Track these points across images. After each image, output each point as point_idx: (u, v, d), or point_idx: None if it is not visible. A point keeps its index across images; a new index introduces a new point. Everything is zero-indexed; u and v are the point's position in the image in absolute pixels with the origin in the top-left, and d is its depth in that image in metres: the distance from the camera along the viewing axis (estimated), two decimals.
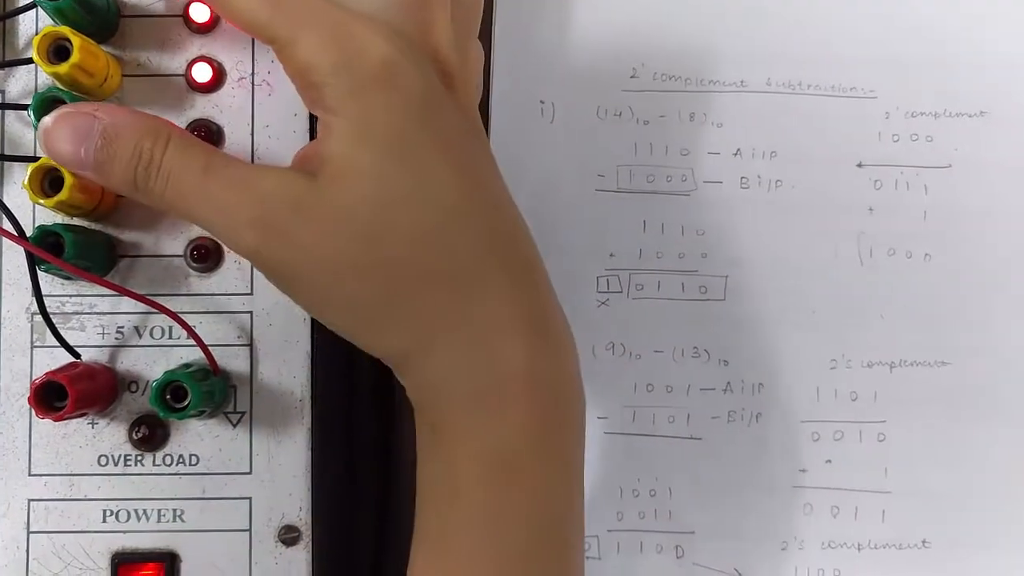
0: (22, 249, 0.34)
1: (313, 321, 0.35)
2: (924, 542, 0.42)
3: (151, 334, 0.35)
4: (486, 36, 0.45)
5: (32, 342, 0.35)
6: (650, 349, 0.43)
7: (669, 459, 0.43)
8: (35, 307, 0.35)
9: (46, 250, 0.32)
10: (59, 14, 0.33)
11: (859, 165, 0.44)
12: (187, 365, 0.34)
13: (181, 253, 0.35)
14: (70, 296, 0.35)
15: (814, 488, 0.43)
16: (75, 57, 0.32)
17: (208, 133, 0.35)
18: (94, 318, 0.35)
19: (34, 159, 0.34)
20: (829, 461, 0.43)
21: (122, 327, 0.35)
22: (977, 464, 0.43)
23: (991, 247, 0.44)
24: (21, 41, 0.36)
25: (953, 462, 0.43)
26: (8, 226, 0.32)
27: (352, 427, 0.42)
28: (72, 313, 0.35)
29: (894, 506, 0.43)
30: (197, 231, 0.35)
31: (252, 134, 0.35)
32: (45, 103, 0.32)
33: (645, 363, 0.43)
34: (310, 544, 0.34)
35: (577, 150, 0.44)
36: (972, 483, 0.43)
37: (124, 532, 0.34)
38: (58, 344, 0.34)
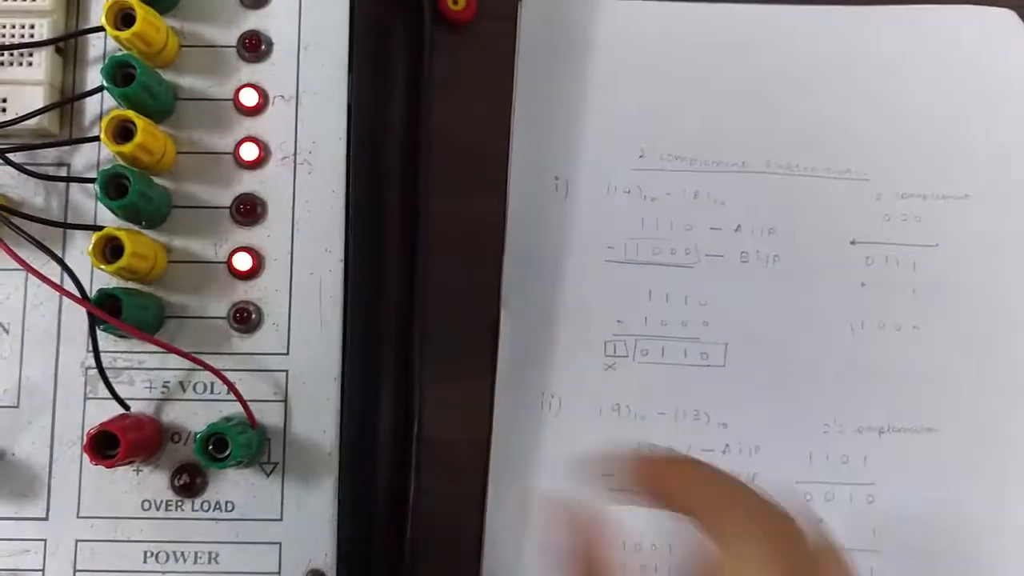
0: (81, 309, 0.37)
1: (342, 381, 0.38)
2: None
3: (194, 389, 0.38)
4: (506, 116, 0.49)
5: (85, 394, 0.38)
6: (654, 411, 0.46)
7: (669, 517, 0.45)
8: (89, 362, 0.38)
9: (105, 311, 0.35)
10: (125, 99, 0.36)
11: (852, 243, 0.47)
12: (228, 418, 0.37)
13: (224, 315, 0.38)
14: (121, 352, 0.38)
15: None
16: (139, 138, 0.36)
17: (253, 206, 0.38)
18: (143, 373, 0.38)
19: (96, 228, 0.37)
20: (820, 521, 0.45)
21: (168, 382, 0.38)
22: (961, 526, 0.45)
23: (975, 321, 0.47)
24: (87, 120, 0.39)
25: (938, 523, 0.45)
26: (72, 288, 0.36)
27: (373, 480, 0.44)
28: (123, 368, 0.38)
29: (882, 566, 0.45)
30: (240, 295, 0.38)
31: (293, 208, 0.39)
32: (110, 179, 0.36)
33: (649, 424, 0.46)
34: (339, 537, 0.37)
35: (588, 223, 0.48)
36: (957, 543, 0.45)
37: (163, 573, 0.37)
38: (109, 396, 0.37)
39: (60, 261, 0.36)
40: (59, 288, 0.35)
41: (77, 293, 0.35)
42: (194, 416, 0.38)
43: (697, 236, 0.47)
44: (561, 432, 0.46)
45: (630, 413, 0.46)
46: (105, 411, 0.37)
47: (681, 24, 0.49)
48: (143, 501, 0.37)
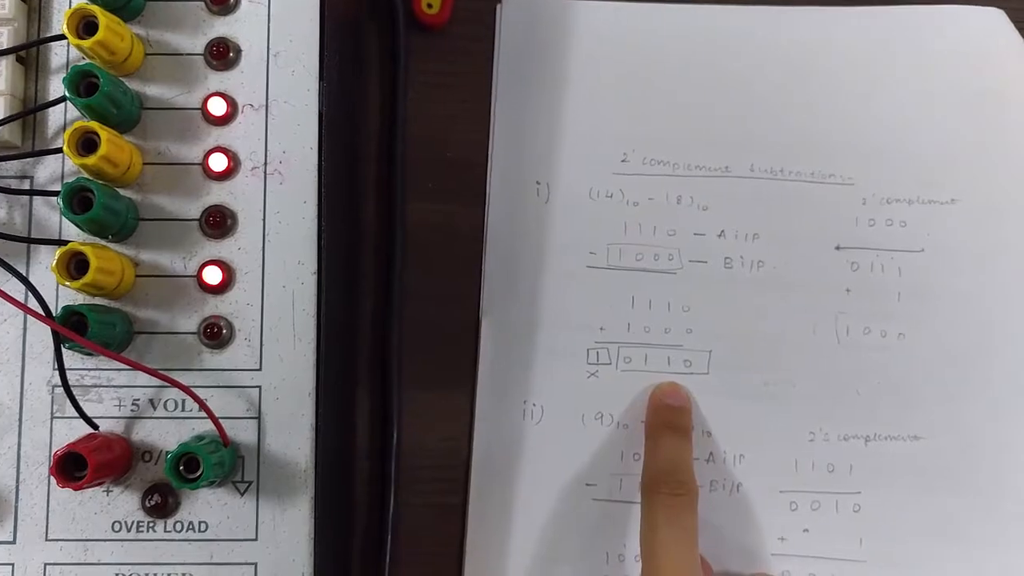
0: (46, 327, 0.36)
1: (316, 396, 0.37)
2: None
3: (165, 406, 0.37)
4: (484, 120, 0.48)
5: (52, 413, 0.37)
6: (637, 420, 0.45)
7: None
8: (56, 380, 0.37)
9: (71, 328, 0.34)
10: (88, 109, 0.35)
11: (837, 248, 0.47)
12: (199, 437, 0.36)
13: (195, 331, 0.37)
14: (89, 370, 0.37)
15: (792, 556, 0.44)
16: (103, 150, 0.35)
17: (223, 218, 0.37)
18: (111, 391, 0.37)
19: (60, 243, 0.36)
20: (806, 530, 0.45)
21: (138, 399, 0.37)
22: (948, 534, 0.44)
23: (961, 327, 0.46)
24: (49, 131, 0.38)
25: (925, 532, 0.45)
26: (36, 305, 0.35)
27: (351, 495, 0.44)
28: (91, 386, 0.37)
29: (869, 574, 0.44)
30: (210, 309, 0.37)
31: (264, 220, 0.38)
32: (73, 192, 0.35)
33: (632, 433, 0.45)
34: (315, 554, 0.36)
35: (570, 228, 0.47)
36: (944, 552, 0.44)
37: None
38: (77, 415, 0.36)
39: (22, 278, 0.35)
40: (22, 306, 0.34)
41: (41, 311, 0.34)
42: (165, 434, 0.37)
43: (680, 241, 0.47)
44: (543, 441, 0.45)
45: (613, 421, 0.45)
46: (73, 430, 0.36)
47: (663, 27, 0.48)
48: (113, 522, 0.37)
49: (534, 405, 0.45)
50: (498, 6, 0.48)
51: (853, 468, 0.45)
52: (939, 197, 0.47)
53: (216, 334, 0.37)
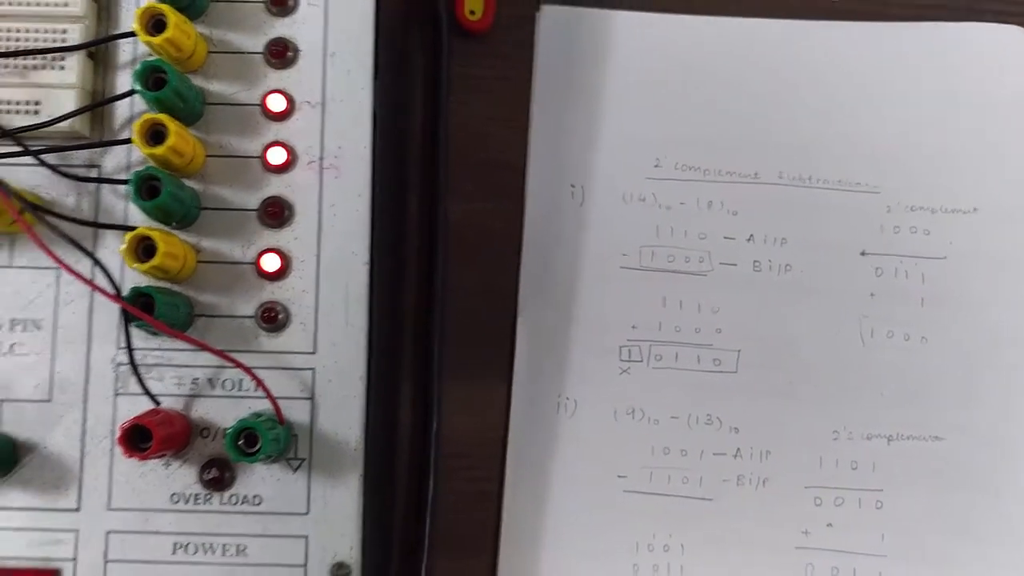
0: (112, 307, 0.38)
1: (367, 379, 0.39)
2: None
3: (223, 386, 0.39)
4: (523, 124, 0.50)
5: (116, 390, 0.39)
6: (667, 415, 0.47)
7: (682, 517, 0.46)
8: (120, 358, 0.39)
9: (139, 308, 0.36)
10: (156, 102, 0.37)
11: (862, 254, 0.48)
12: (257, 414, 0.38)
13: (252, 315, 0.39)
14: (151, 350, 0.39)
15: (816, 549, 0.46)
16: (171, 140, 0.37)
17: (280, 209, 0.39)
18: (172, 370, 0.39)
19: (126, 228, 0.38)
20: (830, 525, 0.46)
21: (197, 379, 0.39)
22: (967, 531, 0.46)
23: (982, 333, 0.48)
24: (117, 122, 0.40)
25: (945, 529, 0.46)
26: (106, 287, 0.36)
27: (392, 478, 0.45)
28: (153, 365, 0.39)
29: (890, 569, 0.46)
30: (267, 295, 0.39)
31: (320, 212, 0.40)
32: (143, 180, 0.37)
33: (662, 428, 0.47)
34: (363, 533, 0.38)
35: (604, 230, 0.49)
36: (962, 549, 0.46)
37: (192, 564, 0.38)
38: (139, 392, 0.38)
39: (94, 259, 0.37)
40: (93, 285, 0.36)
41: (111, 290, 0.36)
42: (222, 412, 0.39)
43: (711, 244, 0.48)
44: (576, 434, 0.47)
45: (644, 417, 0.47)
46: (135, 406, 0.38)
47: (696, 38, 0.50)
48: (172, 494, 0.38)
49: (568, 399, 0.47)
50: (538, 14, 0.50)
51: (876, 466, 0.47)
52: (961, 206, 0.49)
53: (273, 318, 0.39)
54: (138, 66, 0.37)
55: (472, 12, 0.50)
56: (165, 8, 0.37)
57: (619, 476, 0.47)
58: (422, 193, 0.49)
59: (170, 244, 0.37)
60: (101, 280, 0.38)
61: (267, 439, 0.36)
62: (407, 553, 0.45)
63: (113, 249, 0.39)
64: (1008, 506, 0.46)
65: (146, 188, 0.37)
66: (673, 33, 0.51)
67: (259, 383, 0.37)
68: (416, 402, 0.47)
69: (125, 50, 0.41)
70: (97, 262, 0.37)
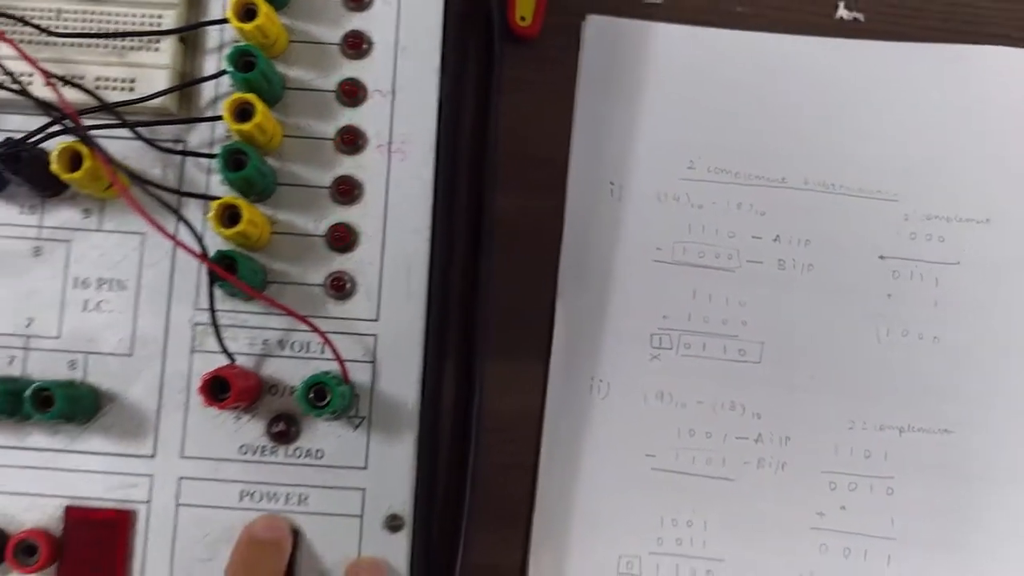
0: (191, 270, 0.42)
1: (424, 347, 0.42)
2: None
3: (291, 347, 0.42)
4: (566, 124, 0.53)
5: (193, 347, 0.42)
6: (694, 400, 0.50)
7: (705, 496, 0.49)
8: (197, 318, 0.42)
9: (224, 269, 0.39)
10: (245, 83, 0.41)
11: (880, 257, 0.52)
12: (325, 373, 0.41)
13: (321, 283, 0.42)
14: (227, 311, 0.42)
15: (829, 530, 0.49)
16: (257, 118, 0.40)
17: (351, 188, 0.43)
18: (245, 331, 0.42)
19: (209, 197, 0.42)
20: (843, 508, 0.49)
21: (267, 340, 0.42)
22: (972, 520, 0.49)
23: (990, 334, 0.51)
24: (203, 102, 0.44)
25: (951, 517, 0.49)
26: (193, 250, 0.40)
27: (436, 446, 0.48)
28: (228, 325, 0.42)
29: (899, 552, 0.49)
30: (336, 266, 0.42)
31: (386, 191, 0.43)
32: (230, 153, 0.40)
33: (689, 411, 0.50)
34: (410, 531, 0.41)
35: (639, 226, 0.52)
36: (967, 536, 0.49)
37: (256, 511, 0.41)
38: (214, 350, 0.41)
39: (186, 222, 0.40)
40: (184, 246, 0.39)
41: (199, 251, 0.39)
42: (290, 371, 0.42)
43: (739, 243, 0.52)
44: (608, 414, 0.50)
45: (672, 400, 0.50)
46: (210, 363, 0.41)
47: (730, 50, 0.54)
48: (241, 445, 0.41)
49: (601, 381, 0.50)
50: (583, 23, 0.54)
51: (888, 455, 0.50)
52: (975, 216, 0.52)
53: (341, 287, 0.42)
54: (230, 49, 0.40)
55: (523, 18, 0.53)
56: None
57: (647, 455, 0.50)
58: (470, 184, 0.52)
59: (252, 213, 0.40)
60: (186, 245, 0.41)
61: (336, 394, 0.39)
62: (447, 520, 0.48)
63: (194, 218, 0.42)
64: (1013, 498, 0.49)
65: (233, 161, 0.40)
66: (709, 46, 0.54)
67: (330, 344, 0.40)
68: (459, 379, 0.50)
69: (212, 36, 0.44)
70: (188, 224, 0.40)
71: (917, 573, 0.49)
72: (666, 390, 0.50)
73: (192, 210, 0.43)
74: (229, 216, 0.40)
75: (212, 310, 0.41)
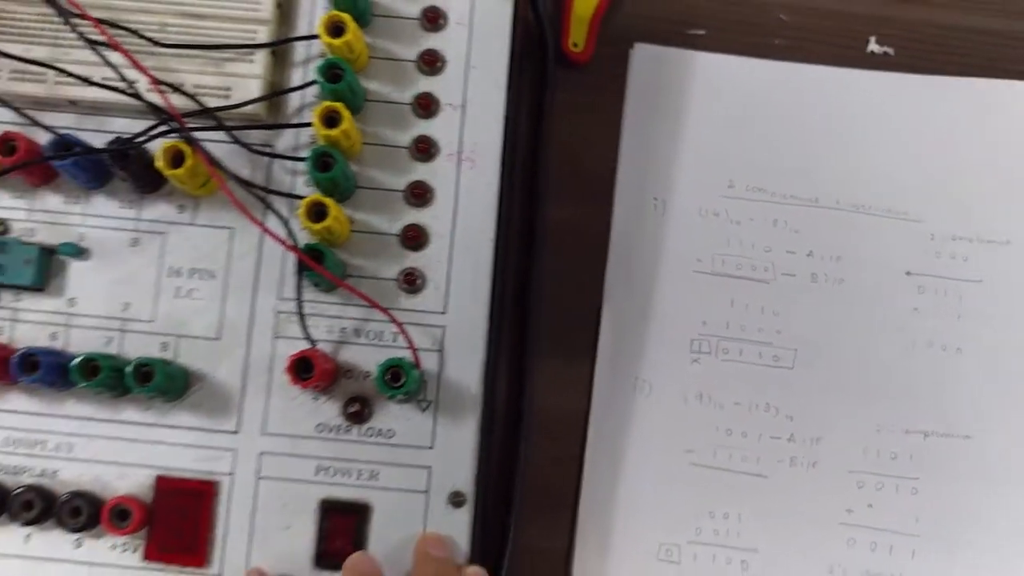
0: (276, 262, 0.45)
1: (487, 339, 0.46)
2: None
3: (366, 335, 0.46)
4: (614, 143, 0.57)
5: (275, 333, 0.46)
6: (731, 401, 0.54)
7: (741, 490, 0.53)
8: (280, 307, 0.46)
9: (312, 260, 0.43)
10: (333, 93, 0.45)
11: (907, 273, 0.55)
12: (399, 358, 0.44)
13: (394, 277, 0.46)
14: (308, 301, 0.46)
15: (857, 526, 0.52)
16: (344, 125, 0.44)
17: (424, 192, 0.47)
18: (324, 319, 0.46)
19: (296, 196, 0.46)
20: (871, 505, 0.53)
21: (344, 328, 0.46)
22: (991, 519, 0.52)
23: (1010, 347, 0.54)
24: (289, 110, 0.48)
25: (972, 517, 0.52)
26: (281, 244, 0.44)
27: (490, 439, 0.52)
28: (309, 314, 0.46)
29: (922, 548, 0.52)
30: (408, 262, 0.46)
31: (456, 196, 0.47)
32: (319, 155, 0.44)
33: (727, 412, 0.53)
34: (472, 507, 0.44)
35: (681, 238, 0.56)
36: (987, 536, 0.52)
37: (331, 484, 0.45)
38: (295, 336, 0.45)
39: (280, 216, 0.44)
40: (276, 237, 0.43)
41: (291, 243, 0.43)
42: (365, 357, 0.45)
43: (774, 257, 0.55)
44: (650, 412, 0.53)
45: (711, 401, 0.54)
46: (291, 348, 0.45)
47: (769, 79, 0.58)
48: (318, 424, 0.45)
49: (644, 381, 0.54)
50: (631, 51, 0.58)
51: (913, 457, 0.53)
52: (996, 238, 0.56)
53: (412, 281, 0.46)
54: (321, 62, 0.45)
55: (575, 45, 0.57)
56: (345, 17, 0.45)
57: (687, 451, 0.53)
58: (524, 196, 0.56)
59: (337, 211, 0.44)
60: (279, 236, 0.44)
61: (410, 377, 0.43)
62: (499, 507, 0.51)
63: (281, 215, 0.46)
64: None
65: (321, 162, 0.44)
66: (748, 74, 0.58)
67: (404, 333, 0.44)
68: (511, 377, 0.53)
69: (299, 51, 0.48)
70: (281, 218, 0.44)
71: (940, 569, 0.52)
72: (705, 391, 0.54)
73: (277, 208, 0.46)
74: (316, 212, 0.44)
75: (299, 299, 0.44)
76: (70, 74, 0.45)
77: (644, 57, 0.58)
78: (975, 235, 0.56)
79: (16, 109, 0.45)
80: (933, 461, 0.53)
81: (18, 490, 0.44)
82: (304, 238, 0.45)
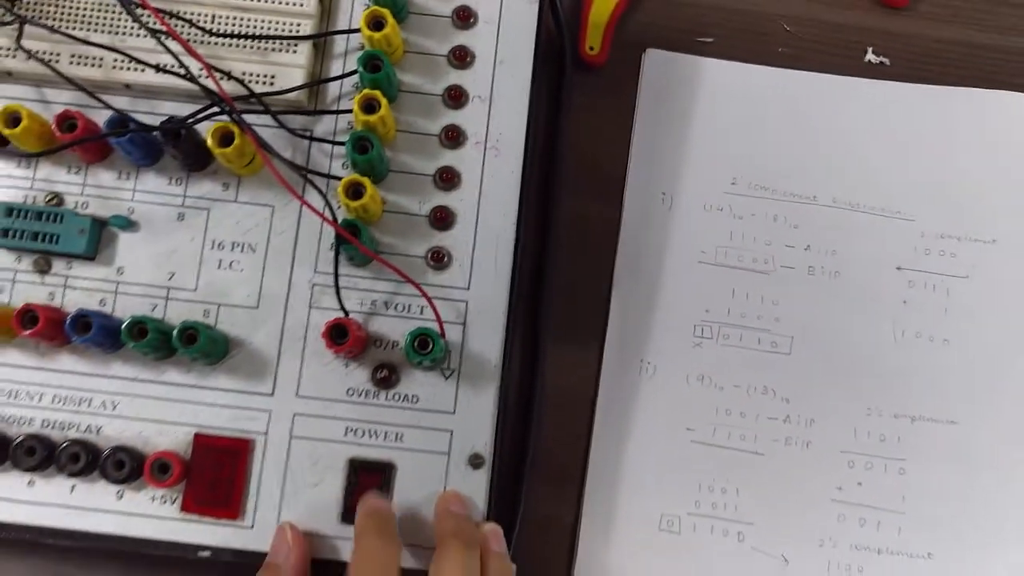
0: (313, 237, 0.49)
1: (508, 313, 0.49)
2: (929, 554, 0.55)
3: (395, 308, 0.49)
4: (625, 141, 0.61)
5: (310, 304, 0.49)
6: (731, 383, 0.57)
7: (739, 467, 0.56)
8: (316, 280, 0.49)
9: (350, 234, 0.46)
10: (372, 82, 0.48)
11: (898, 268, 0.59)
12: (427, 328, 0.48)
13: (423, 255, 0.50)
14: (342, 275, 0.49)
15: (847, 503, 0.56)
16: (382, 112, 0.48)
17: (451, 176, 0.50)
18: (356, 292, 0.49)
19: (330, 176, 0.49)
20: (860, 484, 0.56)
21: (375, 300, 0.49)
22: (973, 499, 0.56)
23: (994, 338, 0.58)
24: (328, 97, 0.51)
25: (956, 498, 0.56)
26: (327, 217, 0.47)
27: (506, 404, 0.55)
28: (343, 287, 0.49)
29: (907, 524, 0.55)
30: (436, 241, 0.50)
31: (481, 181, 0.51)
32: (357, 139, 0.47)
33: (726, 393, 0.57)
34: (490, 469, 0.48)
35: (686, 232, 0.59)
36: (969, 513, 0.55)
37: (359, 444, 0.48)
38: (329, 307, 0.49)
39: (321, 193, 0.48)
40: (318, 212, 0.46)
41: (331, 218, 0.47)
42: (394, 328, 0.49)
43: (774, 250, 0.59)
44: (654, 392, 0.57)
45: (711, 383, 0.57)
46: (325, 317, 0.48)
47: (771, 84, 0.62)
48: (348, 388, 0.48)
49: (649, 363, 0.57)
50: (644, 55, 0.62)
51: (900, 440, 0.56)
52: (983, 237, 0.59)
53: (439, 259, 0.49)
54: (362, 53, 0.48)
55: (591, 48, 0.61)
56: (385, 12, 0.48)
57: (688, 429, 0.57)
58: (539, 188, 0.59)
59: (373, 190, 0.47)
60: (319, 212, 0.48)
61: (437, 345, 0.46)
62: (510, 478, 0.55)
63: (315, 195, 0.50)
64: (1012, 485, 0.56)
65: (359, 145, 0.47)
66: (753, 80, 0.62)
67: (432, 305, 0.48)
68: (524, 357, 0.57)
69: (339, 44, 0.52)
70: (323, 195, 0.48)
71: (924, 545, 0.55)
72: (706, 373, 0.57)
73: (318, 187, 0.50)
74: (354, 191, 0.47)
75: (336, 272, 0.48)
76: (138, 60, 0.48)
77: (655, 62, 0.61)
78: (963, 234, 0.59)
79: (82, 88, 0.48)
80: (919, 444, 0.56)
81: (65, 444, 0.47)
82: (340, 217, 0.48)
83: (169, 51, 0.48)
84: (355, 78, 0.50)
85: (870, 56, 0.62)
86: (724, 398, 0.57)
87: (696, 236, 0.59)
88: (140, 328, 0.46)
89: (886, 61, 0.62)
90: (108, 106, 0.48)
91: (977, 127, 0.61)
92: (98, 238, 0.49)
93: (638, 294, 0.58)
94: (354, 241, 0.46)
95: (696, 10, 0.63)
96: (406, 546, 0.47)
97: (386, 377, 0.48)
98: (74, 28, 0.49)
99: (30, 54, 0.48)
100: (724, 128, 0.61)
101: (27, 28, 0.49)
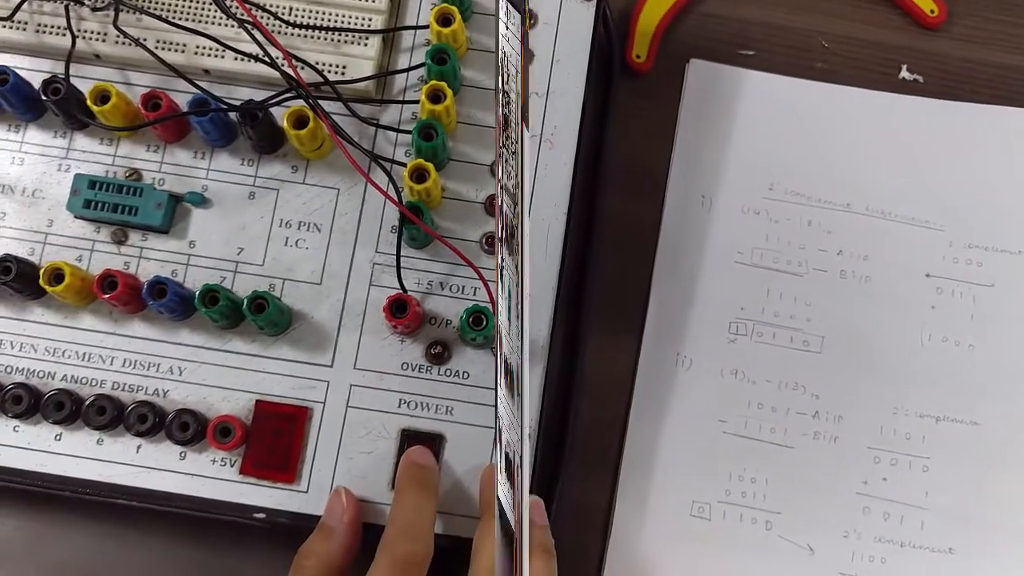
0: (375, 219, 0.52)
1: (556, 294, 0.52)
2: (950, 549, 0.57)
3: (450, 288, 0.52)
4: (668, 145, 0.63)
5: (370, 282, 0.52)
6: (763, 379, 0.59)
7: (768, 458, 0.58)
8: (377, 259, 0.52)
9: (414, 214, 0.49)
10: (439, 74, 0.51)
11: (927, 275, 0.61)
12: (482, 305, 0.50)
13: (477, 240, 0.53)
14: (402, 256, 0.52)
15: (872, 497, 0.58)
16: (448, 102, 0.51)
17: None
18: (414, 272, 0.52)
19: (393, 161, 0.52)
20: (885, 479, 0.58)
21: (431, 280, 0.52)
22: (994, 497, 0.58)
23: (1017, 346, 0.60)
24: (395, 88, 0.54)
25: (977, 495, 0.58)
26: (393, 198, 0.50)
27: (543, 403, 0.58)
28: (402, 267, 0.52)
29: (930, 519, 0.57)
30: (490, 227, 0.53)
31: (535, 171, 0.53)
32: (423, 127, 0.50)
33: (758, 388, 0.59)
34: (533, 446, 0.50)
35: (724, 232, 0.62)
36: (990, 510, 0.58)
37: (411, 416, 0.51)
38: (388, 286, 0.51)
39: (389, 175, 0.51)
40: (384, 192, 0.49)
41: (396, 199, 0.50)
42: (448, 307, 0.51)
43: (808, 254, 0.61)
44: (689, 384, 0.59)
45: (744, 378, 0.59)
46: (383, 295, 0.50)
47: (809, 97, 0.64)
48: (403, 363, 0.51)
49: (685, 356, 0.60)
50: (687, 65, 0.65)
51: (925, 438, 0.59)
52: (1009, 248, 0.62)
53: (493, 244, 0.52)
54: (431, 47, 0.51)
55: (638, 56, 0.64)
56: (453, 9, 0.51)
57: (720, 420, 0.59)
58: (584, 186, 0.62)
59: (435, 175, 0.50)
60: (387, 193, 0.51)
61: (490, 322, 0.49)
62: (548, 462, 0.57)
63: (381, 178, 0.52)
64: None
65: (425, 133, 0.50)
66: (791, 92, 0.65)
67: (486, 286, 0.50)
68: (565, 347, 0.59)
69: (406, 39, 0.55)
70: (390, 177, 0.51)
71: (946, 539, 0.57)
72: (740, 368, 0.60)
73: (380, 172, 0.53)
74: (419, 175, 0.50)
75: (398, 251, 0.51)
76: (227, 46, 0.51)
77: (699, 71, 0.64)
78: (990, 244, 0.62)
79: (172, 68, 0.51)
80: (943, 443, 0.58)
81: (133, 405, 0.50)
82: (404, 200, 0.51)
83: (254, 39, 0.51)
84: (420, 71, 0.53)
85: (904, 73, 0.65)
86: (756, 392, 0.59)
87: (733, 237, 0.62)
88: (212, 295, 0.49)
89: (920, 79, 0.65)
90: (196, 85, 0.51)
91: (1004, 143, 0.64)
92: (173, 212, 0.52)
93: (676, 290, 0.60)
94: (418, 221, 0.49)
95: (739, 24, 0.66)
96: (452, 515, 0.49)
97: (439, 353, 0.51)
98: (162, 15, 0.52)
99: (126, 36, 0.51)
100: (762, 136, 0.63)
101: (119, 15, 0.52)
